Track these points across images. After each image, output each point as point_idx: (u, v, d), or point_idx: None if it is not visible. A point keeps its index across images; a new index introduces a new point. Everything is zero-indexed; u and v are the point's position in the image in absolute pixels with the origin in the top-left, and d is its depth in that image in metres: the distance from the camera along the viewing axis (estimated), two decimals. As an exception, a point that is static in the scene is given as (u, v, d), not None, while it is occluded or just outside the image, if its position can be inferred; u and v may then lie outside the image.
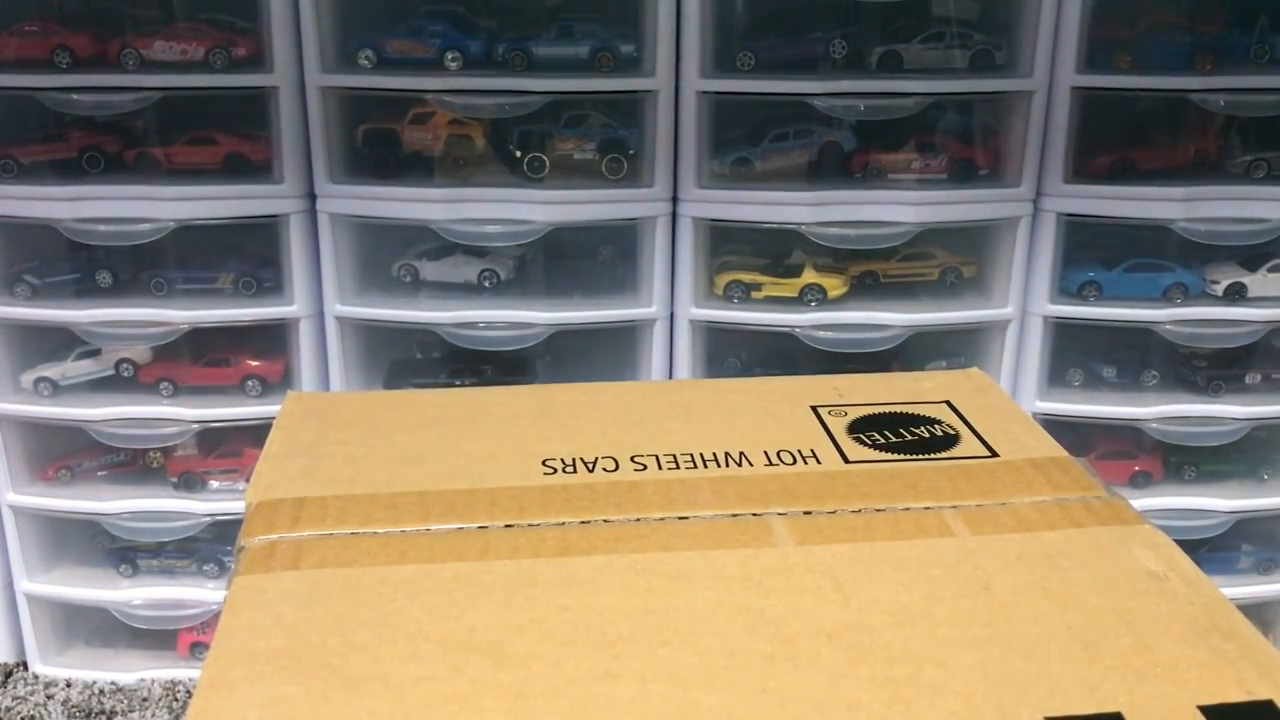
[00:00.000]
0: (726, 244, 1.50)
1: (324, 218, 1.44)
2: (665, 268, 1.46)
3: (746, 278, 1.48)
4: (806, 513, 0.55)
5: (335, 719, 0.41)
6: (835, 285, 1.48)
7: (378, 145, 1.46)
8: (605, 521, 0.54)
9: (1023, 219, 1.45)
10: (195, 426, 1.50)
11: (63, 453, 1.57)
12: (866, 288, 1.51)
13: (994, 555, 0.51)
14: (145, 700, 1.56)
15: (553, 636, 0.45)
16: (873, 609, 0.47)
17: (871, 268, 1.50)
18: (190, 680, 1.60)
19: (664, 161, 1.42)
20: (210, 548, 1.58)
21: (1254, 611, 1.60)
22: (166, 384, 1.52)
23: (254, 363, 1.52)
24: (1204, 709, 0.41)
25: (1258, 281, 1.47)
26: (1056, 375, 1.54)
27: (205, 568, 1.58)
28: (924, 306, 1.50)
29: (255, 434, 1.51)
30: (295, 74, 1.39)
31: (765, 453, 0.60)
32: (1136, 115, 1.49)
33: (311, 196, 1.44)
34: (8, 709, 1.55)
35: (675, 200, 1.44)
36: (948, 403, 0.66)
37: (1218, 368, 1.52)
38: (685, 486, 0.57)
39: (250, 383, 1.52)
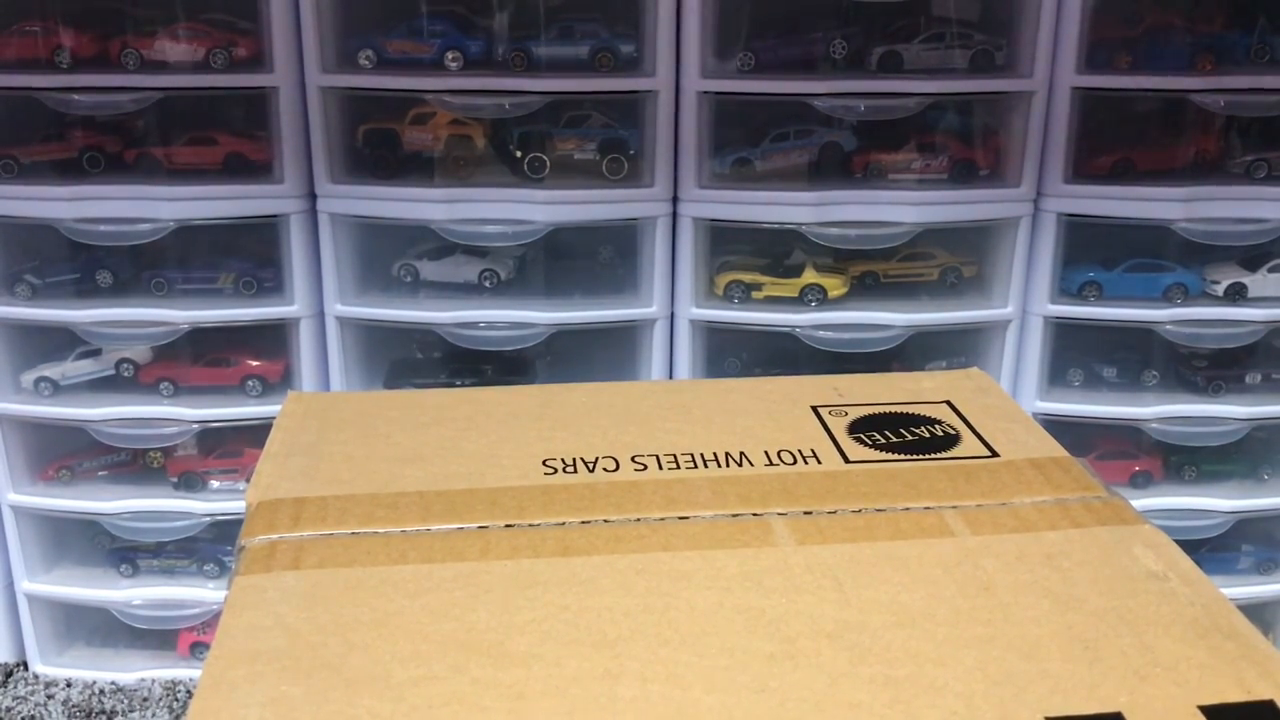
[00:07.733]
0: (727, 244, 1.50)
1: (324, 218, 1.44)
2: (665, 268, 1.46)
3: (747, 278, 1.48)
4: (807, 513, 0.55)
5: (335, 719, 0.41)
6: (835, 285, 1.48)
7: (378, 145, 1.46)
8: (605, 521, 0.54)
9: (1023, 219, 1.45)
10: (195, 426, 1.50)
11: (63, 453, 1.56)
12: (867, 288, 1.51)
13: (994, 555, 0.51)
14: (145, 700, 1.56)
15: (553, 636, 0.45)
16: (873, 609, 0.47)
17: (872, 268, 1.50)
18: (190, 680, 1.60)
19: (664, 161, 1.42)
20: (210, 548, 1.57)
21: (1254, 611, 1.60)
22: (166, 384, 1.52)
23: (254, 363, 1.52)
24: (1204, 709, 0.41)
25: (1258, 281, 1.47)
26: (1056, 375, 1.54)
27: (205, 568, 1.58)
28: (924, 306, 1.50)
29: (255, 434, 1.51)
30: (295, 74, 1.39)
31: (765, 453, 0.60)
32: (1136, 115, 1.49)
33: (312, 196, 1.44)
34: (8, 709, 1.55)
35: (675, 200, 1.44)
36: (948, 403, 0.66)
37: (1218, 368, 1.52)
38: (685, 486, 0.57)
39: (250, 383, 1.52)
